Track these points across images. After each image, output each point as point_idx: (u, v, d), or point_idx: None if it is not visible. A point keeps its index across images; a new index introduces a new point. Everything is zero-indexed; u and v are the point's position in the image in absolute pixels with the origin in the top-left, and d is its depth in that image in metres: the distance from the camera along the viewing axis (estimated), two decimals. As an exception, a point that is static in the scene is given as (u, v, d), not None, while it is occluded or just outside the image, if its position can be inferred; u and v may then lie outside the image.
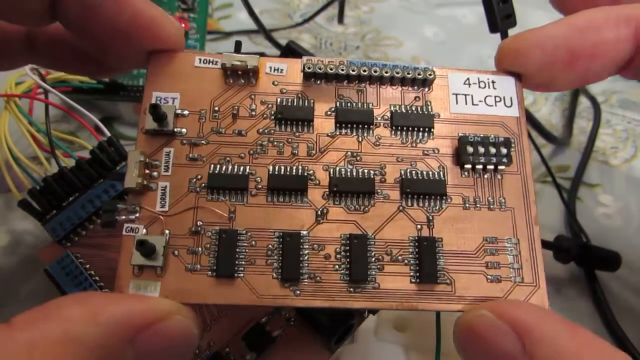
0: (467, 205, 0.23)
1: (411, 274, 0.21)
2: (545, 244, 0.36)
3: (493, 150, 0.23)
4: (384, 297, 0.21)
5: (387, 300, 0.21)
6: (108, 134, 0.31)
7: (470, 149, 0.23)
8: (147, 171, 0.22)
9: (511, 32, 0.29)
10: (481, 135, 0.23)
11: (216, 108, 0.23)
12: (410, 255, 0.21)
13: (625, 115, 0.48)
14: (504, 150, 0.23)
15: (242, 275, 0.21)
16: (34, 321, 0.16)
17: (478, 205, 0.23)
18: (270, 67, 0.24)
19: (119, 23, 0.22)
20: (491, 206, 0.23)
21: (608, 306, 0.34)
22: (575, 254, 0.36)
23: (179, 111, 0.23)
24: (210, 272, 0.21)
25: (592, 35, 0.23)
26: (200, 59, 0.24)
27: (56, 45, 0.27)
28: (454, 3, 0.59)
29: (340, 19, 0.56)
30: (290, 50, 0.40)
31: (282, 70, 0.24)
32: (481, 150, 0.23)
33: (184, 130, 0.22)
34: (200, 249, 0.21)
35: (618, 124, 0.47)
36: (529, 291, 0.21)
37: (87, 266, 0.28)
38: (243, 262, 0.21)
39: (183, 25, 0.41)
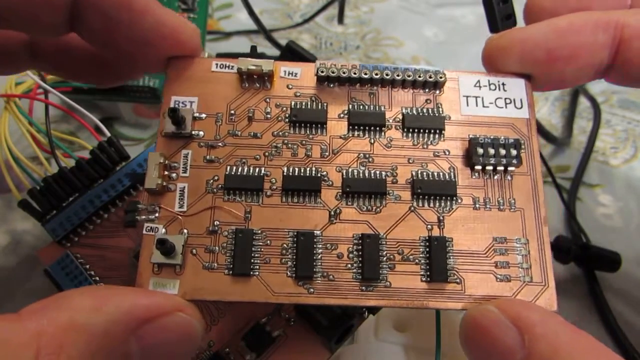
0: (477, 205, 0.23)
1: (421, 272, 0.22)
2: (545, 244, 0.36)
3: (503, 151, 0.23)
4: (395, 295, 0.21)
5: (398, 298, 0.21)
6: (108, 134, 0.31)
7: (480, 151, 0.23)
8: (166, 172, 0.22)
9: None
10: (491, 137, 0.23)
11: (232, 111, 0.24)
12: (421, 255, 0.22)
13: (625, 115, 0.48)
14: (513, 152, 0.23)
15: (257, 273, 0.21)
16: (43, 310, 0.16)
17: (488, 206, 0.23)
18: (285, 71, 0.25)
19: (140, 32, 0.22)
20: (501, 207, 0.23)
21: (608, 307, 0.34)
22: (575, 254, 0.36)
23: (196, 114, 0.23)
24: (226, 271, 0.21)
25: (570, 38, 0.23)
26: (217, 64, 0.24)
27: (59, 52, 0.27)
28: (454, 3, 0.59)
29: (340, 19, 0.56)
30: (290, 51, 0.40)
31: (296, 74, 0.25)
32: (491, 151, 0.23)
33: (201, 132, 0.23)
34: (217, 247, 0.21)
35: (618, 124, 0.47)
36: (537, 290, 0.22)
37: (87, 266, 0.28)
38: (258, 261, 0.21)
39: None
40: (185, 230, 0.22)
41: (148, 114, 0.43)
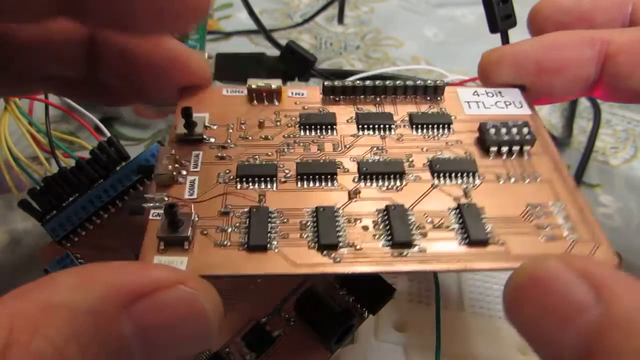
0: (501, 181, 0.22)
1: (458, 238, 0.20)
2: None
3: (515, 129, 0.23)
4: (432, 259, 0.19)
5: (437, 261, 0.19)
6: (108, 134, 0.31)
7: (492, 131, 0.23)
8: (176, 166, 0.22)
9: (511, 32, 0.29)
10: (500, 121, 0.24)
11: (243, 121, 0.25)
12: (453, 221, 0.21)
13: (625, 115, 0.48)
14: (525, 130, 0.23)
15: (275, 246, 0.20)
16: (23, 293, 0.15)
17: (513, 180, 0.22)
18: (292, 92, 0.26)
19: (155, 62, 0.24)
20: (526, 180, 0.22)
21: (608, 306, 0.34)
22: (575, 254, 0.36)
23: (207, 124, 0.24)
24: (240, 247, 0.19)
25: (556, 52, 0.25)
26: (227, 90, 0.26)
27: (70, 77, 0.27)
28: (454, 3, 0.59)
29: (340, 19, 0.56)
30: (290, 51, 0.40)
31: (303, 94, 0.26)
32: (503, 130, 0.23)
33: (212, 139, 0.24)
34: (230, 227, 0.20)
35: (618, 124, 0.47)
36: (591, 246, 0.20)
37: (87, 266, 0.28)
38: (276, 236, 0.20)
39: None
40: (196, 213, 0.20)
41: (148, 114, 0.43)
